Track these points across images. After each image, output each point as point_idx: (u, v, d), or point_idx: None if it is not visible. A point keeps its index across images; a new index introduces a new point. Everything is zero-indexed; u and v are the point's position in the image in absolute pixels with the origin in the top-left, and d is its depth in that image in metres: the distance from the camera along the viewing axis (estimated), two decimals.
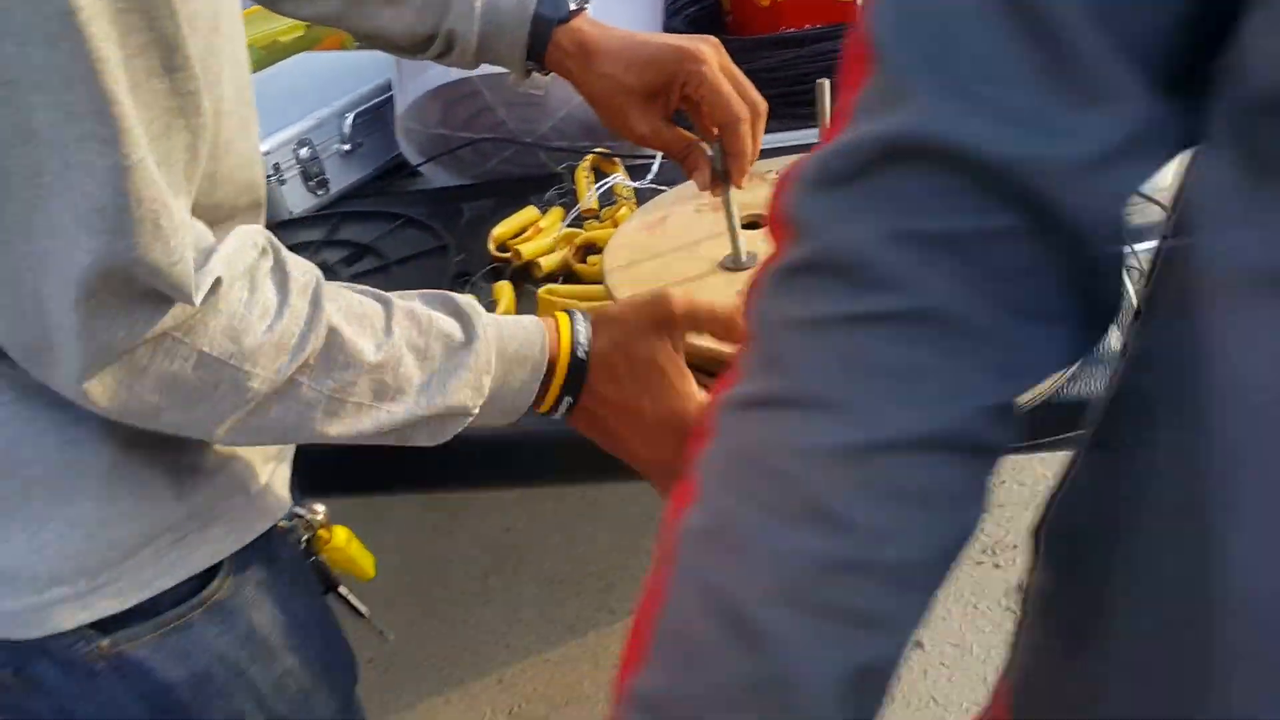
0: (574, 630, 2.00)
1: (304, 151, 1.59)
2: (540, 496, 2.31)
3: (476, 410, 0.72)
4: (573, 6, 0.99)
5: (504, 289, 1.20)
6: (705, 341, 0.83)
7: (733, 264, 1.04)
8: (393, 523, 2.34)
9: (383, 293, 0.72)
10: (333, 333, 0.66)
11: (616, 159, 1.49)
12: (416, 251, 1.38)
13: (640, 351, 0.76)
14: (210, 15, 0.60)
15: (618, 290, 1.04)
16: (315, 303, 0.66)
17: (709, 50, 0.93)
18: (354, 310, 0.68)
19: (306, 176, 1.61)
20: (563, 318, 0.78)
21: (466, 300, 0.74)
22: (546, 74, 1.02)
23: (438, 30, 0.97)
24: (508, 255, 1.29)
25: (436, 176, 1.67)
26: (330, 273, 1.39)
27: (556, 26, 0.96)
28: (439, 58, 1.00)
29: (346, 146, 1.65)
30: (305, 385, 0.66)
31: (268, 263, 0.65)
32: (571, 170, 1.49)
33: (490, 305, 1.20)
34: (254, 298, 0.63)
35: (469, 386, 0.70)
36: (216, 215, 0.68)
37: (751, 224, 1.11)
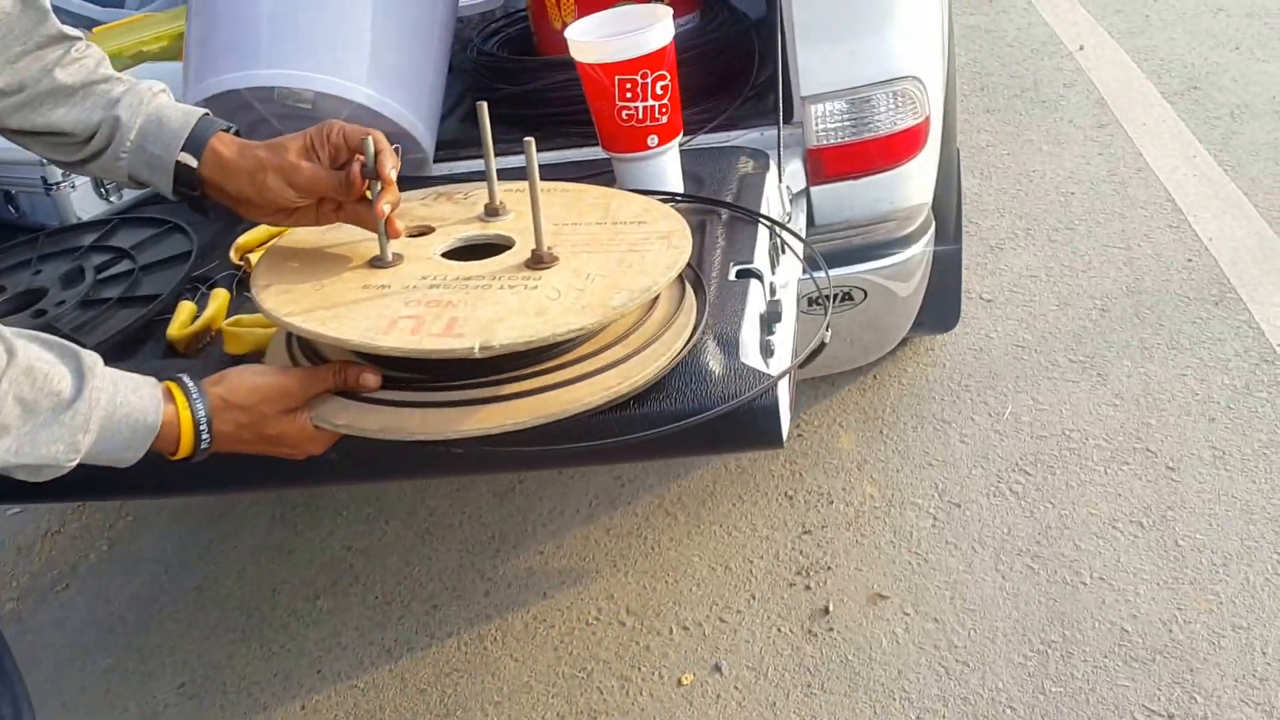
0: (390, 654, 1.85)
1: None
2: (388, 514, 2.17)
3: (70, 463, 0.80)
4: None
5: (218, 295, 1.19)
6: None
7: (376, 263, 1.01)
8: (238, 541, 2.18)
9: (21, 343, 0.79)
10: None
11: None
12: (166, 257, 1.33)
13: (270, 431, 0.90)
14: None
15: (259, 283, 0.98)
16: None
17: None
18: None
19: (99, 184, 1.55)
20: (179, 396, 0.86)
21: (92, 362, 0.82)
22: (196, 173, 1.03)
23: (104, 119, 1.02)
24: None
25: None
26: (81, 277, 1.32)
27: (220, 130, 1.02)
28: (94, 158, 1.03)
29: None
30: None
31: None
32: None
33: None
34: None
35: (62, 442, 0.79)
36: None
37: (421, 233, 1.07)
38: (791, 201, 1.34)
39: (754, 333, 0.99)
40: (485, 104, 1.02)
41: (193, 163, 1.00)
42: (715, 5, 1.63)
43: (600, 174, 1.30)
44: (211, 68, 1.35)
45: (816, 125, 1.37)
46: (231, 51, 1.34)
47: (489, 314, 0.88)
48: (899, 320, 1.54)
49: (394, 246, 1.00)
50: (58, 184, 1.47)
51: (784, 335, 1.04)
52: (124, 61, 2.02)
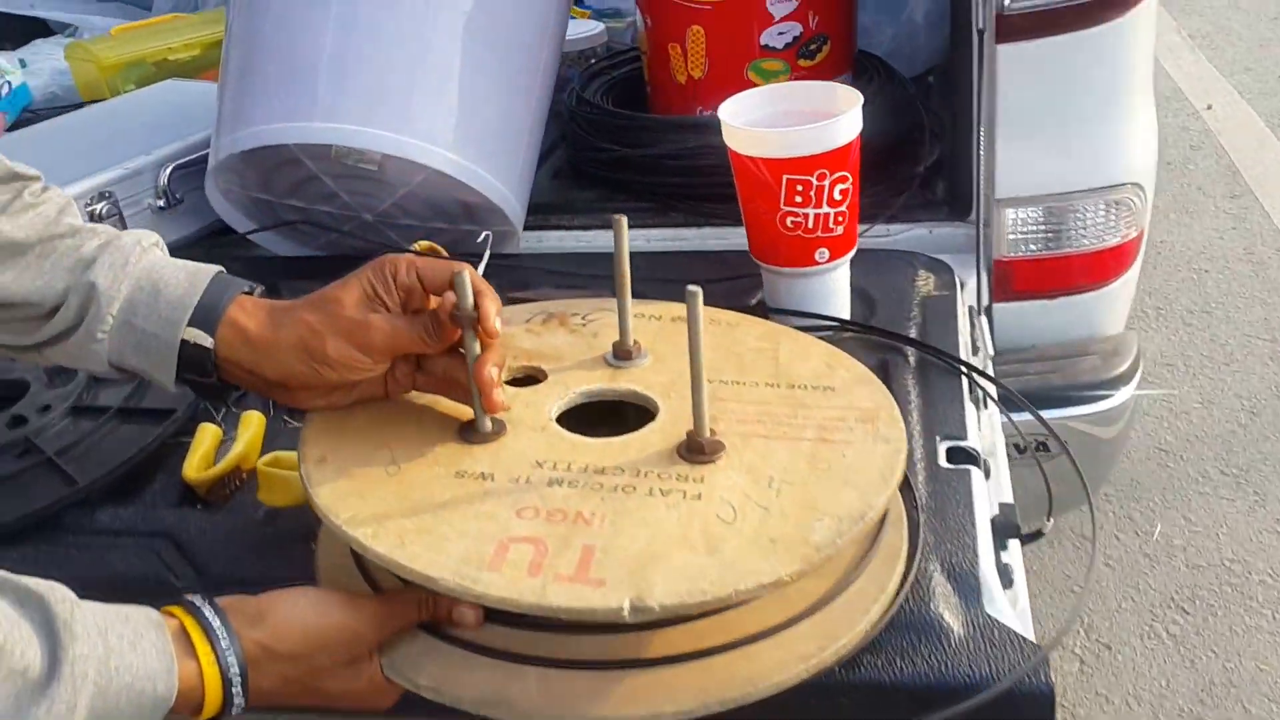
0: None
1: (101, 207, 1.20)
2: None
3: None
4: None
5: (250, 421, 0.89)
6: None
7: (469, 434, 0.72)
8: None
9: None
10: None
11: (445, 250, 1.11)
12: None
13: (327, 686, 0.64)
14: None
15: (310, 452, 0.70)
16: None
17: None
18: None
19: None
20: (201, 644, 0.59)
21: (66, 612, 0.54)
22: (211, 356, 0.72)
23: (73, 286, 0.71)
24: None
25: (276, 245, 1.28)
26: (72, 371, 1.02)
27: (241, 293, 0.73)
28: (58, 339, 0.72)
29: (160, 202, 1.26)
30: None
31: None
32: None
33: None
34: None
35: None
36: None
37: (528, 378, 0.79)
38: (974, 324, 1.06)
39: (990, 557, 0.71)
40: (624, 219, 0.75)
41: (207, 342, 0.70)
42: (870, 65, 1.35)
43: (740, 278, 1.03)
44: (252, 113, 1.07)
45: (1009, 232, 1.09)
46: (280, 95, 1.05)
47: (638, 543, 0.60)
48: (1100, 470, 1.26)
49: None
50: None
51: (1016, 551, 0.76)
52: (146, 69, 1.72)
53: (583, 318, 0.85)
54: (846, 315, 0.97)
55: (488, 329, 0.68)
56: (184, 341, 0.70)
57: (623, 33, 1.70)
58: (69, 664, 0.51)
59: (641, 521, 0.62)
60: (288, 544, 0.80)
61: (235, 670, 0.58)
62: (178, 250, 1.28)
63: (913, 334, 0.94)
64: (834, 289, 0.95)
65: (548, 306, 0.88)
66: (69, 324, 0.70)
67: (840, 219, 0.91)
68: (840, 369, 0.78)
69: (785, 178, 0.88)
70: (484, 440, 0.70)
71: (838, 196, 0.89)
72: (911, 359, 0.91)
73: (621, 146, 1.30)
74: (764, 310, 0.99)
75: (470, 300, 0.67)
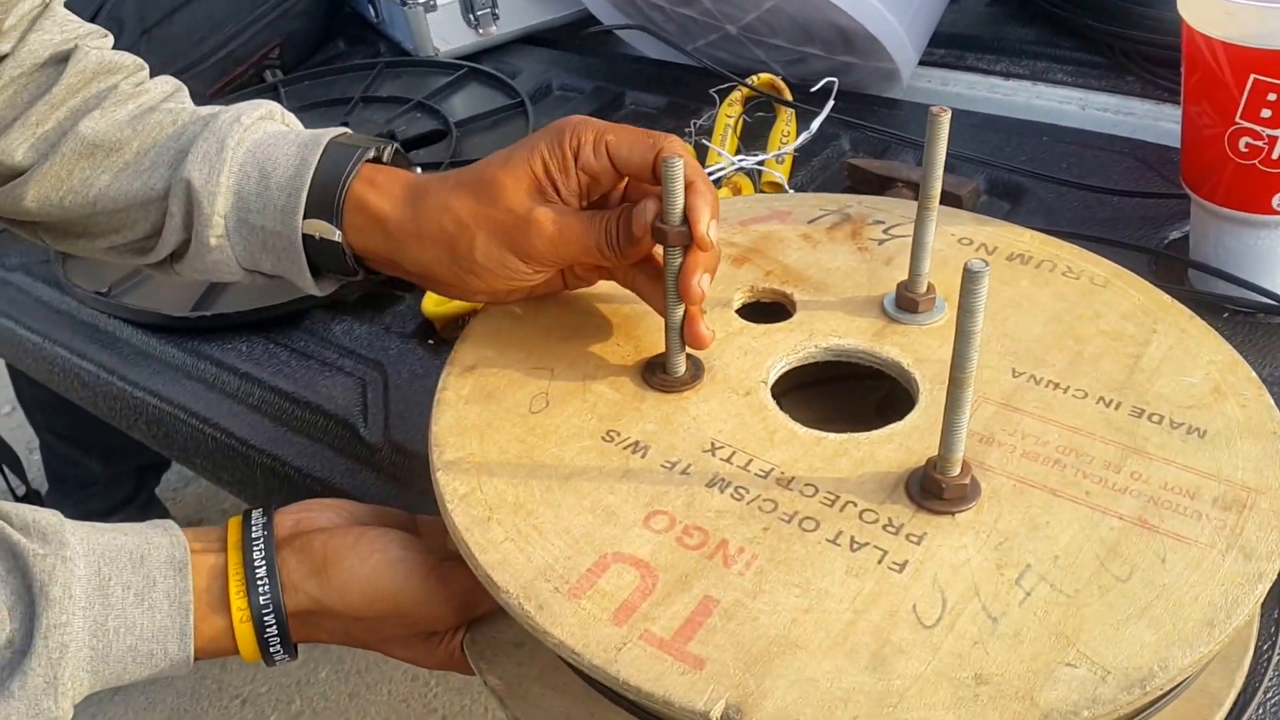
0: None
1: None
2: None
3: None
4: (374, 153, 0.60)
5: None
6: None
7: (657, 377, 0.55)
8: None
9: None
10: None
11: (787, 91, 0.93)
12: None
13: (402, 654, 0.55)
14: None
15: (453, 366, 0.57)
16: None
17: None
18: None
19: (468, 8, 1.17)
20: (237, 596, 0.50)
21: (45, 565, 0.46)
22: (342, 249, 0.59)
23: (171, 185, 0.59)
24: None
25: (644, 44, 1.16)
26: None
27: (368, 159, 0.59)
28: (182, 249, 0.61)
29: None
30: None
31: None
32: (723, 95, 0.94)
33: None
34: None
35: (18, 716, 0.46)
36: None
37: (774, 304, 0.61)
38: None
39: None
40: (947, 114, 0.53)
41: (334, 235, 0.57)
42: None
43: (1175, 197, 0.75)
44: None
45: None
46: None
47: (779, 618, 0.43)
48: None
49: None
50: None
51: None
52: None
53: (887, 230, 0.65)
54: None
55: (698, 239, 0.51)
56: (307, 237, 0.58)
57: None
58: (42, 636, 0.45)
59: (800, 584, 0.45)
60: None
61: (274, 631, 0.50)
62: (547, 34, 1.22)
63: None
64: None
65: (850, 204, 0.68)
66: (179, 233, 0.60)
67: None
68: (1233, 400, 0.52)
69: (1253, 78, 0.59)
70: (666, 388, 0.54)
71: None
72: None
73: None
74: (1180, 260, 0.71)
75: (679, 206, 0.50)
